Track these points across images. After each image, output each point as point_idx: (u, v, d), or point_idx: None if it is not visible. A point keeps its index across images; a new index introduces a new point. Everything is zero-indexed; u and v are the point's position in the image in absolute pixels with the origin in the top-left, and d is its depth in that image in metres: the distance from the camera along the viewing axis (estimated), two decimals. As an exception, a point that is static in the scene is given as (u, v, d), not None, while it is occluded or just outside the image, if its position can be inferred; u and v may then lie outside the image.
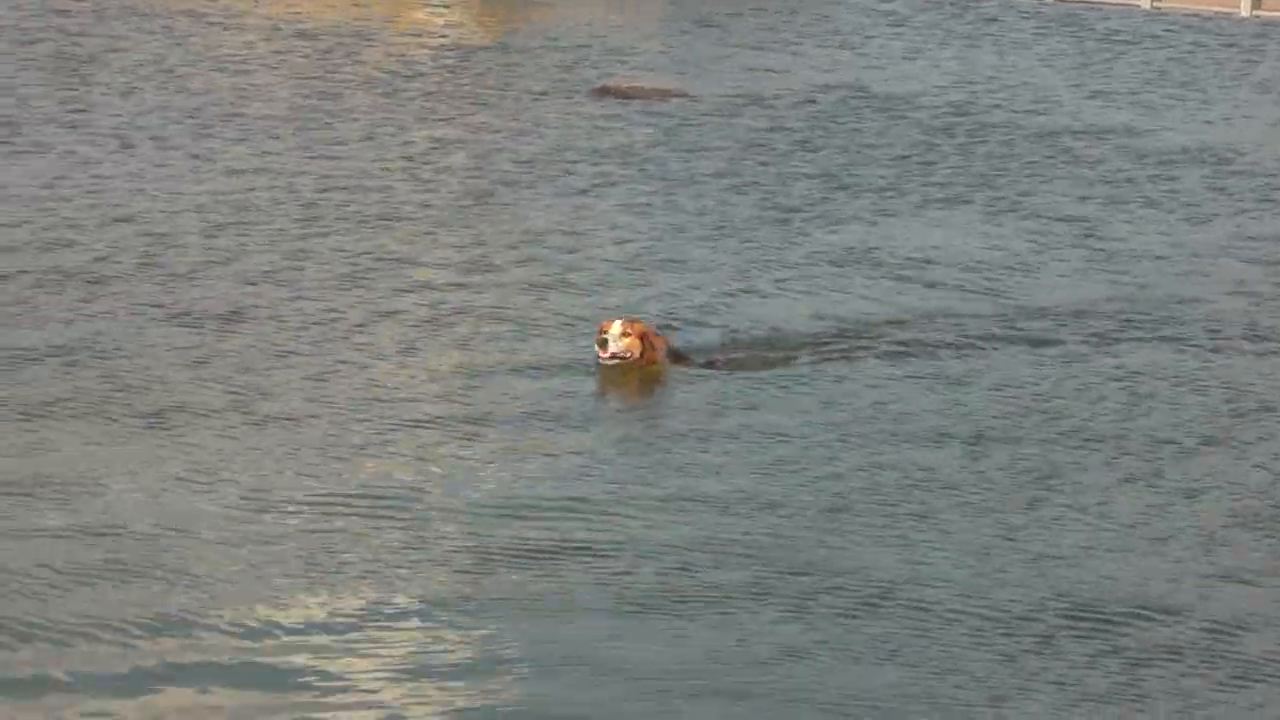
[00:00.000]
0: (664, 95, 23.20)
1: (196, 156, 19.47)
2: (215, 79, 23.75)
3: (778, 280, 15.86)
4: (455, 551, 10.06)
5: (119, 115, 21.32)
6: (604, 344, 12.60)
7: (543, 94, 23.95)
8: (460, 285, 15.46)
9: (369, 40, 27.50)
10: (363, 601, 9.41)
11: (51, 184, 17.90)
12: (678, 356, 13.10)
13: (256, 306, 14.68)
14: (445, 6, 33.34)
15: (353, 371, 13.12)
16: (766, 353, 13.65)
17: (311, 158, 19.92)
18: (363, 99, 23.54)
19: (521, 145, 20.86)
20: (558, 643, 9.01)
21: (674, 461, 11.65)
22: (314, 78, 24.76)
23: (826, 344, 14.17)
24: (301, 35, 27.16)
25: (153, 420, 11.82)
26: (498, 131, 21.47)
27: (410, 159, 20.00)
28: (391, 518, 10.54)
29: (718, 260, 16.39)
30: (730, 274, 16.06)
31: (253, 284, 15.28)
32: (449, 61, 27.43)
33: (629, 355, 12.62)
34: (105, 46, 25.60)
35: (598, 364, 12.82)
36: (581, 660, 8.79)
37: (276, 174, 19.08)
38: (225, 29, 27.12)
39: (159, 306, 14.18)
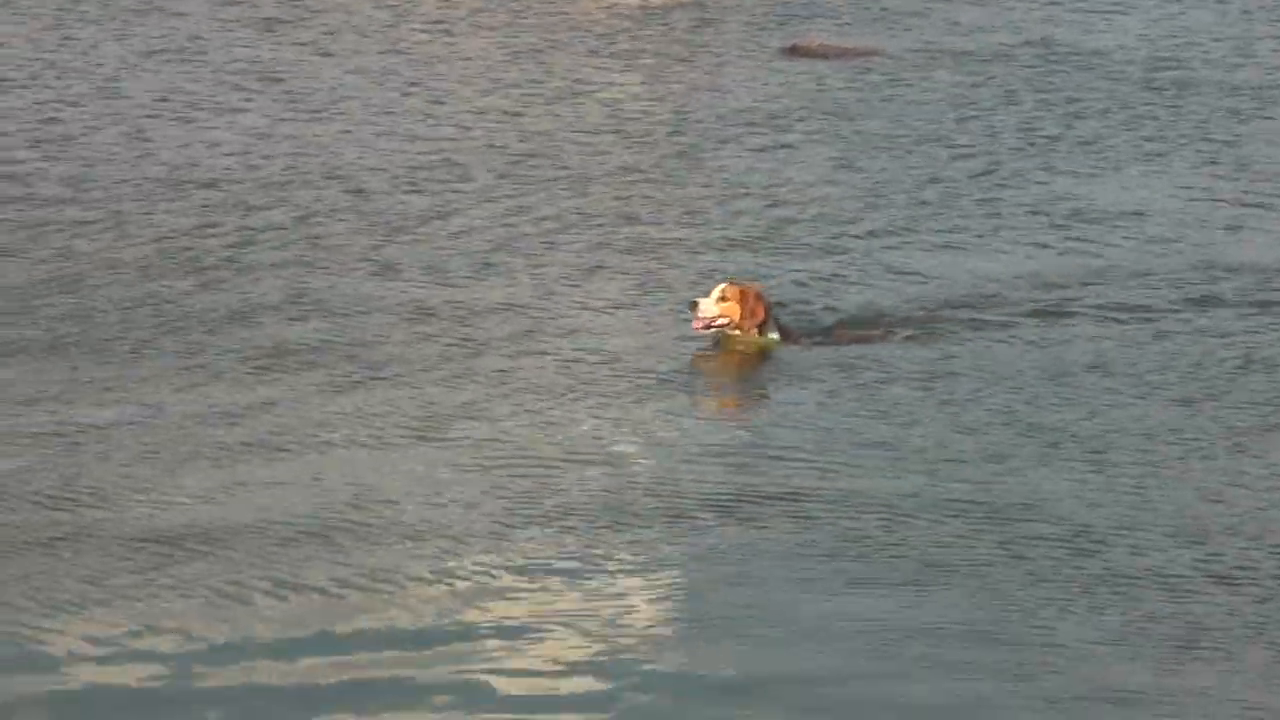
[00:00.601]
0: (857, 53, 23.00)
1: (401, 114, 19.85)
2: (417, 37, 24.07)
3: (980, 237, 15.96)
4: (669, 503, 10.18)
5: (322, 74, 21.78)
6: (694, 307, 12.20)
7: (738, 52, 23.80)
8: (670, 241, 15.62)
9: None
10: (580, 551, 9.63)
11: (259, 141, 18.48)
12: (786, 333, 12.57)
13: (469, 261, 15.00)
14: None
15: (565, 326, 13.32)
16: (881, 329, 13.03)
17: (515, 114, 20.17)
18: (563, 56, 23.50)
19: (720, 102, 20.93)
20: (773, 596, 9.10)
21: (884, 414, 11.69)
22: (514, 35, 24.82)
23: (1015, 301, 14.01)
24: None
25: (373, 372, 12.22)
26: (696, 88, 21.51)
27: (614, 116, 20.13)
28: (607, 471, 10.77)
29: (920, 217, 16.44)
30: (933, 231, 16.12)
31: (463, 239, 15.64)
32: (644, 18, 27.13)
33: (726, 322, 12.19)
34: (305, 6, 25.80)
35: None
36: (801, 615, 8.86)
37: (482, 131, 19.33)
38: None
39: (373, 261, 14.63)
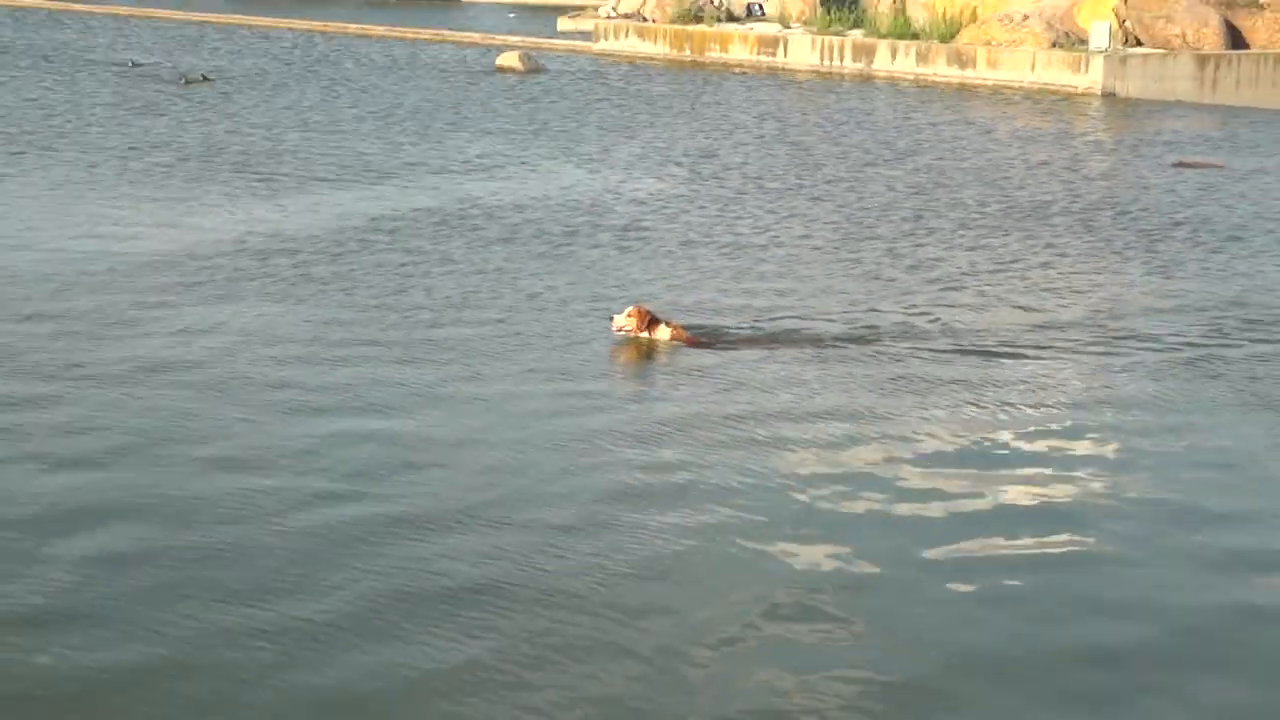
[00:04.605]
0: (1221, 168, 28.09)
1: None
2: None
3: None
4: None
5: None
6: (611, 320, 14.63)
7: (1144, 165, 28.89)
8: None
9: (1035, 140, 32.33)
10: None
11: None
12: (697, 340, 14.59)
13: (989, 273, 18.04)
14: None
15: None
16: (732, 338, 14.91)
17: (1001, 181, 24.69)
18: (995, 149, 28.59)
19: (1136, 204, 23.88)
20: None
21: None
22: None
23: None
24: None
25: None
26: (1104, 194, 25.02)
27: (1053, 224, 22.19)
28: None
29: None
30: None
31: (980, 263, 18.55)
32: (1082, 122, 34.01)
33: (629, 329, 14.28)
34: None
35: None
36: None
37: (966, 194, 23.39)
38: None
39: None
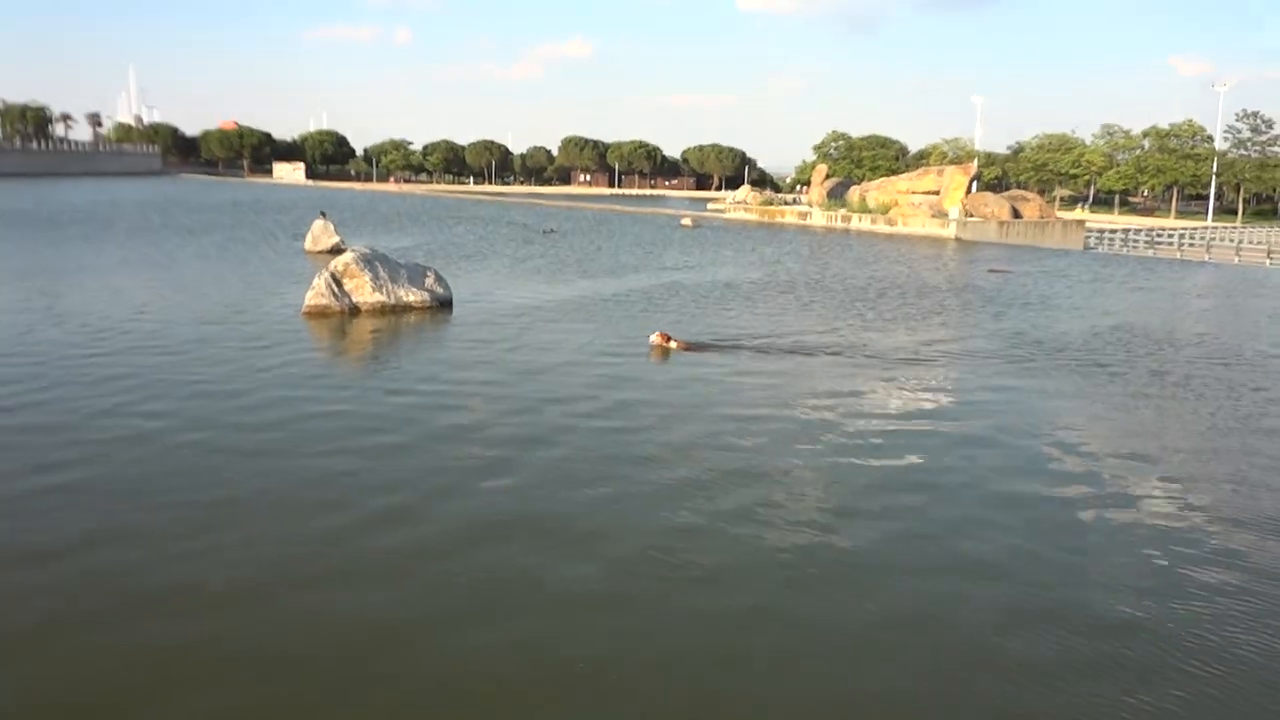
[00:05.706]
0: (1011, 272, 26.41)
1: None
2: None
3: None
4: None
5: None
6: (649, 338, 12.78)
7: (976, 271, 26.89)
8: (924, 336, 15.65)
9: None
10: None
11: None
12: (689, 346, 12.62)
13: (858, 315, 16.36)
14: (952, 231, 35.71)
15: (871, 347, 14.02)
16: (721, 347, 12.70)
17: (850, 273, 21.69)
18: (891, 265, 25.79)
19: (975, 287, 21.93)
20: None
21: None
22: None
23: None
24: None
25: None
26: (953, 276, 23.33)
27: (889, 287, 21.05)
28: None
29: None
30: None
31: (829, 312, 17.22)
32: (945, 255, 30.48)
33: (658, 342, 12.37)
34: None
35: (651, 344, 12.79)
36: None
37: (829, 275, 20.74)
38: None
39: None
